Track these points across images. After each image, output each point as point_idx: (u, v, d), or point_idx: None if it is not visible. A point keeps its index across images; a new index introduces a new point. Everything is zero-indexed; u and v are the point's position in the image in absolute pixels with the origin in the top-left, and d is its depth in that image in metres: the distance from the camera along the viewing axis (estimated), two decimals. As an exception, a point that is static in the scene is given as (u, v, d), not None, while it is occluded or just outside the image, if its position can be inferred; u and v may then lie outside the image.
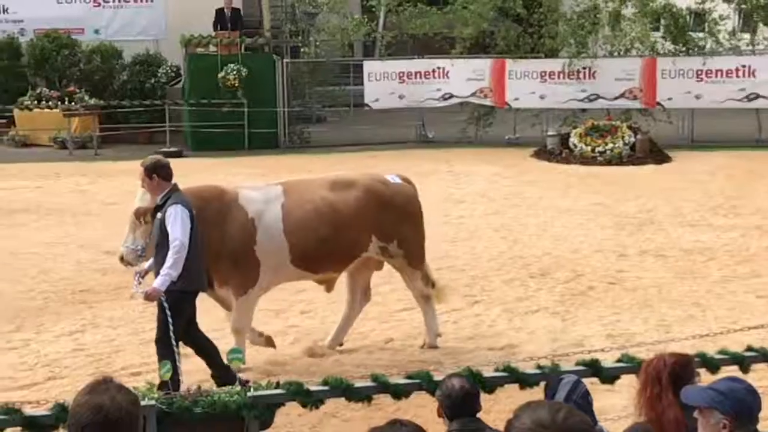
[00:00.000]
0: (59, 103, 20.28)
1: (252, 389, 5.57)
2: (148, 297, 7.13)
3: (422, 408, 6.63)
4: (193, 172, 17.37)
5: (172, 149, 19.43)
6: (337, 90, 21.64)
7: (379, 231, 8.42)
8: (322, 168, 17.83)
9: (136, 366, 8.30)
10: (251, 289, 8.00)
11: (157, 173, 7.21)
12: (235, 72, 19.70)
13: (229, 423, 5.52)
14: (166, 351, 7.08)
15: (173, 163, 19.76)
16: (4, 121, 20.66)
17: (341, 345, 8.72)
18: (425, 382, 5.73)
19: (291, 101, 20.66)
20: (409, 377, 5.87)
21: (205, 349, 7.57)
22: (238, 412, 5.43)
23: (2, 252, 12.13)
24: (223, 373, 7.19)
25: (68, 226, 13.57)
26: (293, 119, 20.76)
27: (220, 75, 19.70)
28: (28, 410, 5.22)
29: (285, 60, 20.64)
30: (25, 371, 8.19)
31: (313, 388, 5.67)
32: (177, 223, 7.05)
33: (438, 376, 5.59)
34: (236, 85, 19.75)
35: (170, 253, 7.02)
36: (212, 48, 20.15)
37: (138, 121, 20.56)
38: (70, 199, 15.38)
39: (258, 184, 8.83)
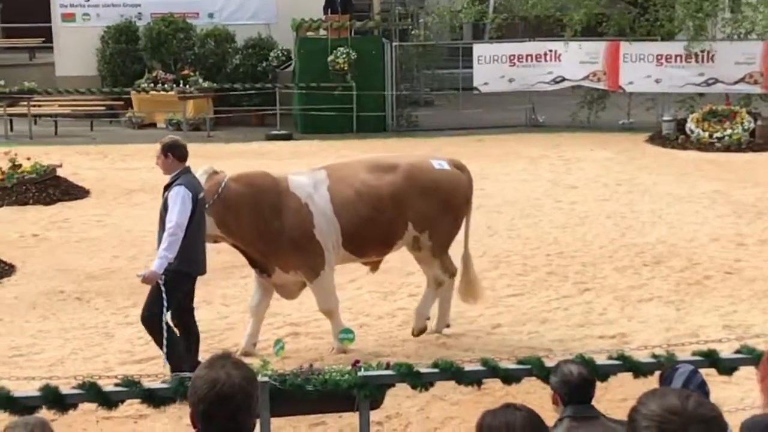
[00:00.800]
0: (174, 85, 20.76)
1: (363, 369, 5.61)
2: (146, 280, 7.14)
3: (531, 395, 6.57)
4: (302, 155, 17.61)
5: (282, 132, 19.71)
6: (445, 73, 21.52)
7: (415, 219, 8.15)
8: (427, 151, 17.78)
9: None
10: (323, 271, 7.98)
11: (173, 152, 7.27)
12: (344, 55, 19.81)
13: (340, 402, 5.58)
14: (158, 332, 7.14)
15: (283, 145, 20.11)
16: (121, 102, 21.27)
17: (448, 326, 8.69)
18: (536, 368, 5.67)
19: (399, 84, 20.65)
20: (520, 362, 5.82)
21: (191, 337, 7.59)
22: (348, 391, 5.47)
23: (119, 230, 12.51)
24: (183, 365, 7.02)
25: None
26: (401, 102, 20.75)
27: (329, 58, 19.85)
28: (147, 383, 5.38)
29: (394, 43, 20.62)
30: (142, 345, 8.42)
31: (423, 370, 5.69)
32: (176, 204, 7.04)
33: (549, 363, 5.52)
34: (345, 68, 19.86)
35: (165, 235, 7.05)
36: (322, 32, 20.30)
37: (249, 104, 20.89)
38: (184, 179, 15.72)
39: (303, 170, 8.80)
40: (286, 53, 21.63)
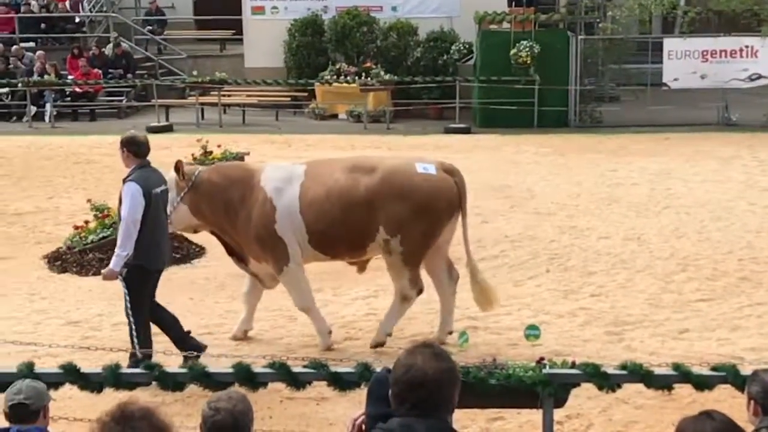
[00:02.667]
0: (356, 78, 21.09)
1: (548, 366, 5.48)
2: (105, 278, 7.35)
3: (720, 403, 6.21)
4: (480, 149, 17.52)
5: (460, 125, 19.67)
6: (633, 68, 20.83)
7: (387, 223, 7.79)
8: (612, 148, 17.36)
9: (425, 334, 8.43)
10: (286, 267, 7.90)
11: (127, 148, 7.38)
12: (527, 49, 19.53)
13: (523, 398, 5.47)
14: (133, 327, 7.25)
15: (461, 139, 19.94)
16: (305, 94, 21.81)
17: (450, 333, 8.21)
18: (731, 376, 5.39)
19: (583, 79, 20.18)
20: (713, 369, 5.54)
21: (167, 324, 7.63)
22: (532, 387, 5.36)
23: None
24: (181, 344, 7.40)
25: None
26: (585, 98, 20.26)
27: (512, 52, 19.62)
28: (333, 366, 5.43)
29: (579, 37, 20.16)
30: (324, 330, 8.59)
31: (610, 371, 5.50)
32: (126, 200, 7.16)
33: (744, 371, 5.23)
34: (528, 62, 19.59)
35: (119, 233, 7.25)
36: (505, 25, 20.09)
37: (429, 96, 20.96)
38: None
39: (283, 163, 8.83)
40: (467, 46, 21.56)
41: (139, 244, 7.19)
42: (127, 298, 7.25)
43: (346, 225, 7.80)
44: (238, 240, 8.06)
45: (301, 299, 8.07)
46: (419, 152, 17.21)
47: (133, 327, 7.23)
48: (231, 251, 8.32)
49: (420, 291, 8.14)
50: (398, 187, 7.79)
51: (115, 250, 7.29)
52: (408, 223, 7.77)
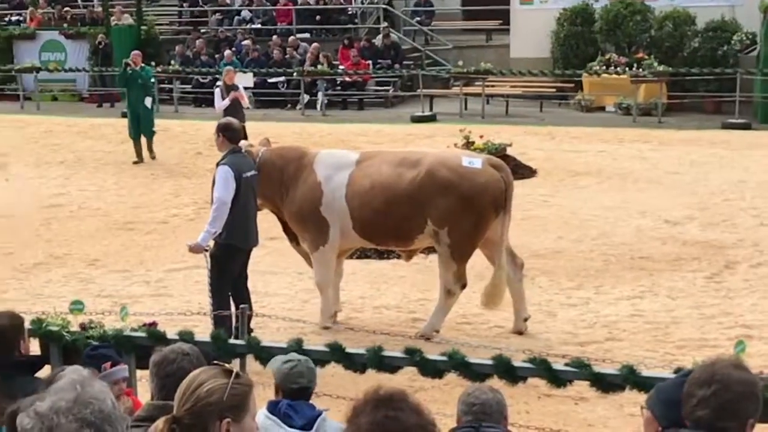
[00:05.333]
0: (627, 69, 20.34)
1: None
2: (191, 250, 7.69)
3: None
4: (761, 147, 16.39)
5: (740, 121, 18.47)
6: None
7: (434, 215, 7.89)
8: None
9: (695, 340, 7.98)
10: (322, 247, 8.20)
11: (223, 133, 7.73)
12: (819, 39, 18.02)
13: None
14: (214, 301, 7.55)
15: (740, 135, 18.79)
16: (571, 85, 21.32)
17: (527, 320, 8.29)
18: None
19: None
20: None
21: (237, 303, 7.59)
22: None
23: (564, 211, 12.47)
24: (217, 318, 7.45)
25: (629, 192, 13.53)
26: None
27: (801, 43, 18.18)
28: (596, 366, 5.18)
29: None
30: (584, 328, 8.30)
31: None
32: (219, 182, 7.50)
33: None
34: (819, 53, 18.06)
35: (211, 211, 7.58)
36: (795, 13, 18.64)
37: (706, 89, 19.85)
38: (632, 165, 15.35)
39: (338, 150, 9.28)
40: (750, 36, 20.21)
41: (229, 224, 7.53)
42: (210, 274, 7.67)
43: (390, 217, 8.01)
44: (287, 217, 8.40)
45: (322, 278, 8.36)
46: (694, 148, 16.35)
47: (214, 305, 7.58)
48: (286, 230, 8.66)
49: (464, 286, 8.18)
50: (442, 181, 7.91)
51: (206, 225, 7.64)
52: (454, 216, 7.88)
